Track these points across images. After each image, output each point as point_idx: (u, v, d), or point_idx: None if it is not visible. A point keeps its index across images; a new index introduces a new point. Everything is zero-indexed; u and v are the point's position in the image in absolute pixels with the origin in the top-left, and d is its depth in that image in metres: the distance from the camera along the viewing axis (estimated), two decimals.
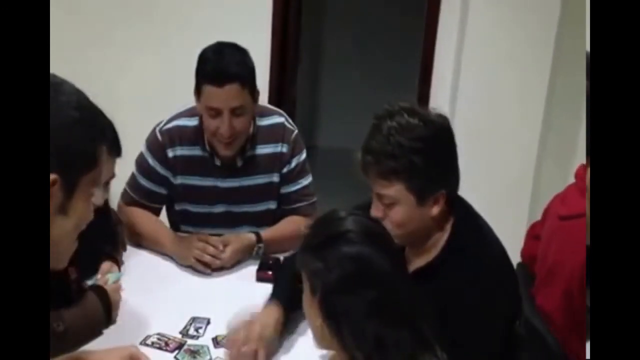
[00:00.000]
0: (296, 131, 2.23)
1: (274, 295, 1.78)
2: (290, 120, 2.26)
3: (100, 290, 1.73)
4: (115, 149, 1.75)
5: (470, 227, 1.65)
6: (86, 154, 1.12)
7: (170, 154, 2.14)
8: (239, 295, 1.92)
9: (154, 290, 1.92)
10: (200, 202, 2.21)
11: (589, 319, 1.07)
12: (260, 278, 2.01)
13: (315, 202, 2.29)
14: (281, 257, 2.08)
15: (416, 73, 3.51)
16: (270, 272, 2.01)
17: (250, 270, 2.05)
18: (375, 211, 1.62)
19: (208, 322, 1.78)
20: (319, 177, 2.32)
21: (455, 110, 3.30)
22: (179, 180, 2.17)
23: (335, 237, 1.33)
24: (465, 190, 1.69)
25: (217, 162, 2.16)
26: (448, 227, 1.65)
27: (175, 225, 2.30)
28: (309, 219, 2.11)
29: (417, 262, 1.69)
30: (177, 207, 2.24)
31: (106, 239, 1.91)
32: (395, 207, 1.58)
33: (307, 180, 2.26)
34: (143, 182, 2.17)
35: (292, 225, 2.17)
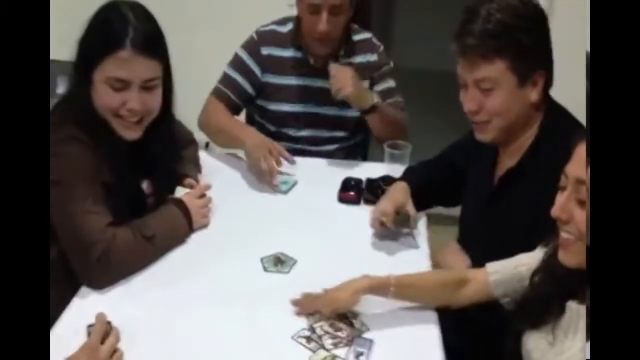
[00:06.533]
0: (382, 47, 2.50)
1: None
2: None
3: (175, 201, 1.91)
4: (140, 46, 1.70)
5: (560, 124, 1.67)
6: None
7: (264, 51, 2.41)
8: (319, 219, 2.06)
9: (233, 225, 2.01)
10: (285, 100, 2.44)
11: (589, 319, 1.14)
12: (342, 199, 2.15)
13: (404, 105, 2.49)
14: (363, 178, 2.20)
15: None
16: (352, 193, 2.14)
17: (332, 191, 2.17)
18: (471, 102, 1.70)
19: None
20: None
21: None
22: (265, 78, 2.42)
23: None
24: None
25: (311, 61, 2.41)
26: (537, 125, 1.70)
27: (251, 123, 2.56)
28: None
29: (507, 163, 1.75)
30: (259, 102, 2.47)
31: (175, 157, 2.02)
32: (495, 91, 1.65)
33: (395, 85, 2.49)
34: (233, 74, 2.43)
35: (399, 114, 2.44)
